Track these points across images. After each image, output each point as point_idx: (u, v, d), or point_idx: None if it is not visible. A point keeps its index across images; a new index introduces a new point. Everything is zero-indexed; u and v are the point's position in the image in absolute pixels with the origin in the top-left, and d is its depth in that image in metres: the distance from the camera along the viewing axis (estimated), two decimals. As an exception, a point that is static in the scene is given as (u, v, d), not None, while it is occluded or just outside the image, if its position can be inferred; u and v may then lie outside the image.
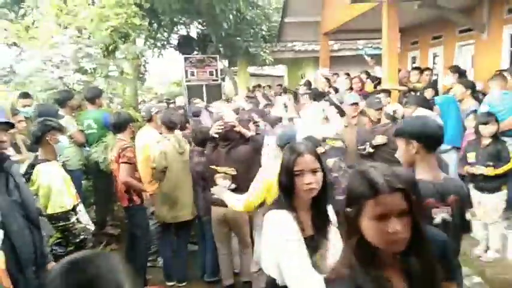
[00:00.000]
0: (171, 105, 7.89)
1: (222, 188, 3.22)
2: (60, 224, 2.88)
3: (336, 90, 8.06)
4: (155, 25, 10.67)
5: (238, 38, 11.22)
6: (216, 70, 5.44)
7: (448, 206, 1.96)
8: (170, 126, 4.23)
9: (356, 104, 4.96)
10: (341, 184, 3.87)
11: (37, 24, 6.12)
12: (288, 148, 1.95)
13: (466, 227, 2.09)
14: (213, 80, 5.30)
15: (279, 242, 1.82)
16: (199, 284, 4.22)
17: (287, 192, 1.88)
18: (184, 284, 4.19)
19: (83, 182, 5.06)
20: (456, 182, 2.12)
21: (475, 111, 4.68)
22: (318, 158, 1.90)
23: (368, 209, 1.23)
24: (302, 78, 15.01)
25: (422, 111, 3.04)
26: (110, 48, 6.34)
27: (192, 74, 5.17)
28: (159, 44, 11.62)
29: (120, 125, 4.03)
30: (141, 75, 11.77)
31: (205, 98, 4.91)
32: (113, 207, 5.41)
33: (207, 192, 4.00)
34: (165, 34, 11.70)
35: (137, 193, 4.02)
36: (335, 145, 4.22)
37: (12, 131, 3.49)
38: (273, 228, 1.88)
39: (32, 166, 2.90)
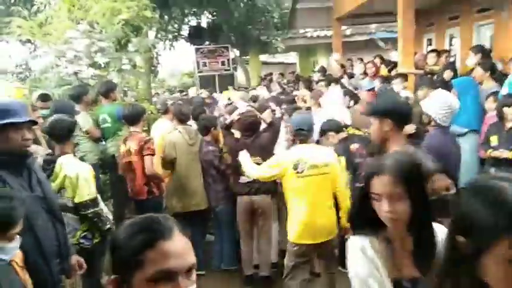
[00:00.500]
0: (184, 97, 7.91)
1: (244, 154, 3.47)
2: (90, 211, 2.89)
3: (351, 76, 7.95)
4: (166, 17, 10.63)
5: (249, 27, 11.11)
6: (228, 60, 5.38)
7: None
8: (181, 118, 4.25)
9: (373, 89, 4.89)
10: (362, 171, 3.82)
11: (50, 20, 6.14)
12: (367, 165, 1.90)
13: None
14: (225, 70, 5.25)
15: (355, 284, 1.40)
16: (217, 273, 4.26)
17: (363, 217, 1.44)
18: (203, 272, 4.20)
19: (100, 176, 5.10)
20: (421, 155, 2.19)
21: (495, 93, 4.54)
22: (407, 180, 1.34)
23: (501, 249, 0.87)
24: (315, 65, 14.86)
25: (439, 92, 3.00)
26: (122, 42, 6.33)
27: (204, 64, 5.13)
28: (170, 36, 11.59)
29: (133, 118, 4.07)
30: (153, 68, 11.78)
31: (217, 88, 4.87)
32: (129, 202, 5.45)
33: (218, 183, 4.01)
34: (176, 26, 11.67)
35: (157, 185, 4.05)
36: (356, 133, 4.17)
37: (34, 127, 3.61)
38: (350, 261, 1.45)
39: (48, 163, 2.90)
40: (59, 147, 3.01)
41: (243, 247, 4.00)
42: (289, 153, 3.25)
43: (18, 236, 1.87)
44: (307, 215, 3.07)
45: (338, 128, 3.83)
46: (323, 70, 8.89)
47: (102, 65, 6.05)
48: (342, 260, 3.90)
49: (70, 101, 4.84)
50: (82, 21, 5.93)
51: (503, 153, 3.98)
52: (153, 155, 3.94)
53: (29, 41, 7.35)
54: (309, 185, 3.06)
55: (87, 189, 2.88)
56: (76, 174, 2.85)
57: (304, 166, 3.05)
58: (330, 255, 3.33)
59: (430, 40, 9.90)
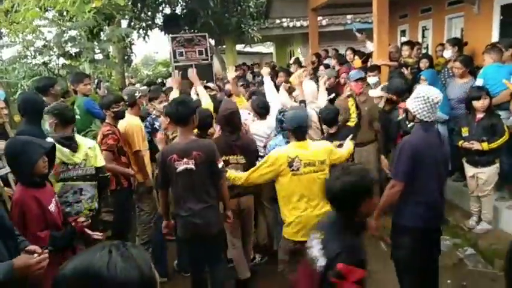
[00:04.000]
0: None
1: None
2: (107, 174, 3.42)
3: (327, 66, 8.00)
4: (139, 5, 10.36)
5: (225, 16, 10.98)
6: (206, 49, 5.21)
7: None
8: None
9: (361, 79, 4.98)
10: None
11: (17, 8, 5.87)
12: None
13: None
14: (203, 60, 5.09)
15: None
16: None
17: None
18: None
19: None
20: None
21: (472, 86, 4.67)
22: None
23: None
24: (291, 55, 14.85)
25: (419, 87, 3.05)
26: (94, 31, 6.13)
27: (181, 54, 4.97)
28: (144, 24, 11.33)
29: (104, 108, 3.93)
30: (126, 57, 11.51)
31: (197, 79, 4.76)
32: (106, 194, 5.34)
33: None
34: (150, 14, 11.39)
35: (125, 177, 3.94)
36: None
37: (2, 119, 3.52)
38: None
39: (67, 139, 3.16)
40: (68, 129, 3.22)
41: (234, 252, 3.75)
42: (284, 150, 3.08)
43: None
44: (304, 212, 2.98)
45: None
46: (298, 62, 8.91)
47: (74, 55, 5.86)
48: None
49: (37, 94, 4.64)
50: (51, 9, 5.70)
51: (474, 145, 4.11)
52: (109, 150, 3.72)
53: (-6, 29, 7.01)
54: (304, 183, 2.97)
55: (100, 156, 3.38)
56: (94, 145, 3.35)
57: (300, 164, 2.95)
58: None
59: (403, 32, 10.06)
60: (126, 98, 4.17)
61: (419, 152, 2.68)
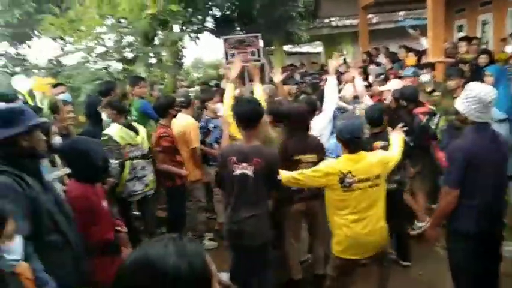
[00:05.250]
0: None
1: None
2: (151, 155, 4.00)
3: (377, 65, 7.80)
4: (190, 10, 10.68)
5: (273, 16, 11.04)
6: (258, 49, 5.17)
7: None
8: None
9: (411, 77, 4.85)
10: None
11: (80, 16, 6.31)
12: None
13: None
14: (255, 60, 5.04)
15: None
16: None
17: None
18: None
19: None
20: None
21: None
22: None
23: None
24: (341, 55, 14.60)
25: (469, 86, 2.81)
26: (149, 36, 6.44)
27: (233, 55, 5.00)
28: (195, 28, 11.66)
29: (161, 110, 4.15)
30: (178, 61, 11.90)
31: (246, 80, 4.80)
32: (162, 192, 5.58)
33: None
34: (200, 17, 11.70)
35: (179, 175, 4.14)
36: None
37: (68, 122, 3.86)
38: None
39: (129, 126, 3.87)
40: (122, 118, 3.87)
41: (292, 250, 3.62)
42: (335, 164, 2.81)
43: (18, 236, 1.75)
44: (354, 231, 2.75)
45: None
46: (344, 62, 8.78)
47: (130, 60, 6.18)
48: (399, 253, 3.78)
49: (99, 97, 4.97)
50: (110, 17, 6.07)
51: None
52: (163, 152, 4.00)
53: (60, 37, 7.55)
54: (357, 198, 2.73)
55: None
56: (144, 132, 3.97)
57: (352, 180, 2.70)
58: (383, 261, 3.04)
59: (460, 27, 9.58)
60: (181, 99, 4.41)
61: (472, 157, 2.52)
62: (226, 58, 4.81)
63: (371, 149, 3.33)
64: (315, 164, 3.11)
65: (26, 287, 1.79)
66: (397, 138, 3.15)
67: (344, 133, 2.74)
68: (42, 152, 2.25)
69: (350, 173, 2.69)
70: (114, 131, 3.76)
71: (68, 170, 3.06)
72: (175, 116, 4.22)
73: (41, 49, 9.43)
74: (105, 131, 3.78)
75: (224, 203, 3.19)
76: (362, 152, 2.80)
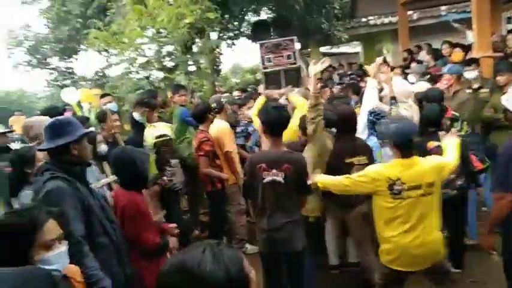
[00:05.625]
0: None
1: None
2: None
3: (419, 63, 7.54)
4: (226, 16, 10.84)
5: (310, 19, 10.97)
6: (294, 52, 5.12)
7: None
8: None
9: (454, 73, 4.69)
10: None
11: (121, 29, 6.58)
12: None
13: None
14: (291, 64, 5.00)
15: None
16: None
17: None
18: None
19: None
20: None
21: None
22: None
23: None
24: (380, 54, 14.26)
25: None
26: (188, 44, 6.60)
27: (269, 60, 4.98)
28: (231, 34, 11.81)
29: (199, 116, 4.29)
30: (216, 67, 12.10)
31: (283, 84, 4.78)
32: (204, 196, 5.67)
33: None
34: (236, 24, 11.85)
35: (219, 179, 4.25)
36: None
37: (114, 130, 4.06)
38: None
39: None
40: (154, 115, 4.32)
41: (368, 256, 3.45)
42: (384, 169, 2.68)
43: (61, 244, 1.68)
44: (404, 241, 2.61)
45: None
46: (385, 61, 8.53)
47: (170, 68, 6.36)
48: (453, 260, 3.50)
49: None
50: (150, 28, 6.28)
51: None
52: (205, 156, 4.10)
53: (104, 49, 7.92)
54: (406, 207, 2.58)
55: None
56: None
57: (402, 187, 2.56)
58: (436, 275, 2.86)
59: (509, 19, 9.05)
60: (214, 105, 4.52)
61: None
62: (263, 63, 4.82)
63: (425, 150, 3.21)
64: (365, 166, 2.98)
65: None
66: (452, 142, 2.95)
67: (397, 136, 2.61)
68: (88, 160, 2.41)
69: (399, 179, 2.57)
70: (166, 130, 3.96)
71: (115, 177, 3.20)
72: (212, 121, 4.32)
73: (87, 62, 9.92)
74: (161, 132, 3.97)
75: (254, 212, 3.13)
76: (415, 157, 2.66)
